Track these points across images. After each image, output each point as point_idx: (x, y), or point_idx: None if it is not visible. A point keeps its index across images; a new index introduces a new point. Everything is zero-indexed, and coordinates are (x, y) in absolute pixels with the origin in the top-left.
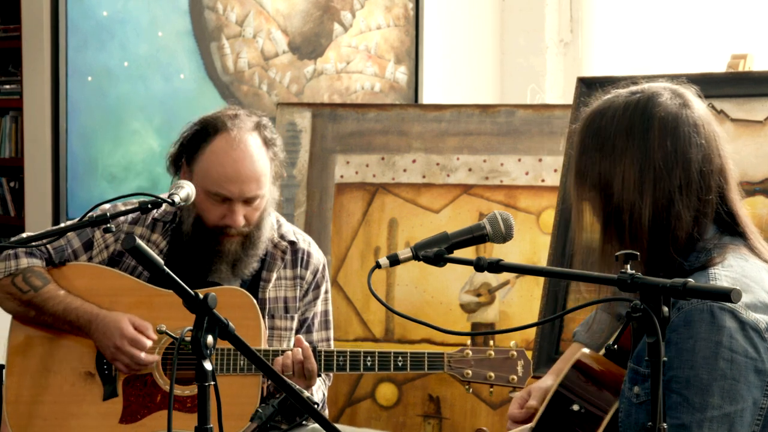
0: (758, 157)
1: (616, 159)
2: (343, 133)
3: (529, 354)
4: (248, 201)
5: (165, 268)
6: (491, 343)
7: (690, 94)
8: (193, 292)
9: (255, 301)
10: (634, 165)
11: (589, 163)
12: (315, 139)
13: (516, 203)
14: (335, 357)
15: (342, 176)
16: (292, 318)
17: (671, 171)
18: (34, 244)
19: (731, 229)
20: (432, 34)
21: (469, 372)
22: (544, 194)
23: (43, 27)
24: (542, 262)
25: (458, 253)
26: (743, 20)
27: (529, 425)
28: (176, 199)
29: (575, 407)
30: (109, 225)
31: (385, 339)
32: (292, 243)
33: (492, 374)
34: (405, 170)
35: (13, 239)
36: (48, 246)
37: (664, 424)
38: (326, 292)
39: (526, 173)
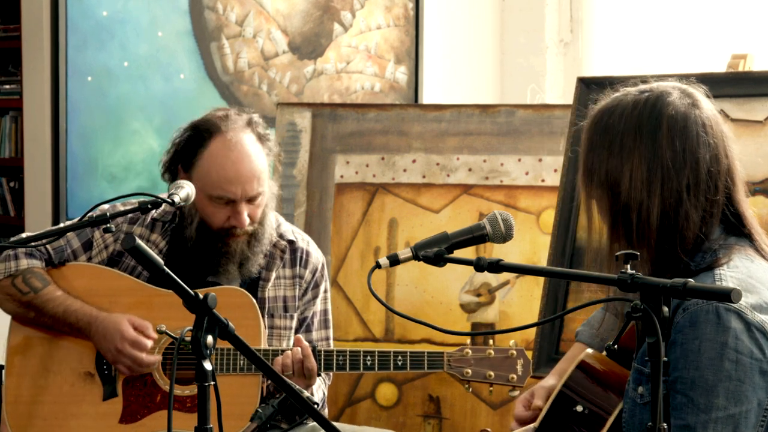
0: (758, 157)
1: (624, 157)
2: (343, 133)
3: (529, 354)
4: (251, 200)
5: (165, 268)
6: (491, 342)
7: (699, 94)
8: (192, 292)
9: (254, 301)
10: (642, 164)
11: (596, 161)
12: (315, 139)
13: (516, 203)
14: (335, 356)
15: (342, 176)
16: (292, 317)
17: (680, 171)
18: (33, 244)
19: (737, 230)
20: (432, 34)
21: (469, 371)
22: (544, 194)
23: (43, 27)
24: (542, 262)
25: (458, 253)
26: (743, 20)
27: (532, 425)
28: (176, 199)
29: (579, 408)
30: (109, 225)
31: (385, 339)
32: (291, 242)
33: (491, 373)
34: (405, 170)
35: (12, 239)
36: (48, 246)
37: (665, 424)
38: (325, 291)
39: (526, 173)
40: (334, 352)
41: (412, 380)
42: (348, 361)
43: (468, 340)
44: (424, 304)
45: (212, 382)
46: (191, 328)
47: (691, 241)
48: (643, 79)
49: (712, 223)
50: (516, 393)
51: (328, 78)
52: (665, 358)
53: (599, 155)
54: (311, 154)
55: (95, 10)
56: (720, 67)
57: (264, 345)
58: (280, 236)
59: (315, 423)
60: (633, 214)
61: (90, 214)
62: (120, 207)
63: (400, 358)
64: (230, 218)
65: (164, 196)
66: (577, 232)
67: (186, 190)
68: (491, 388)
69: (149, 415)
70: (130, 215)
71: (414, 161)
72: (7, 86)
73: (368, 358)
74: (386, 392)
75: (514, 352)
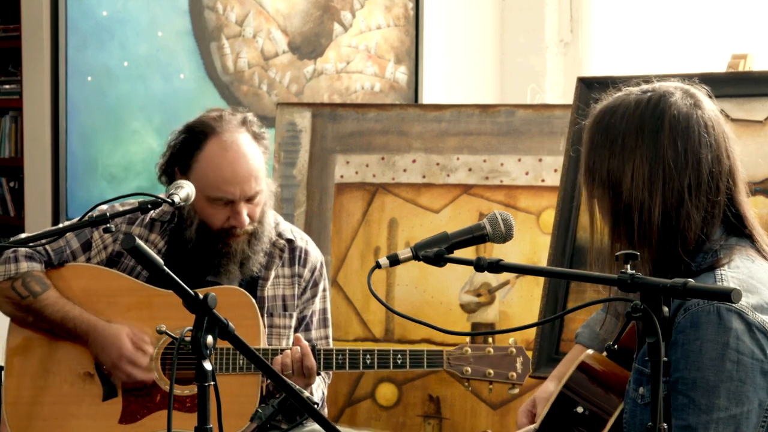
0: (758, 157)
1: (626, 157)
2: (343, 133)
3: (529, 354)
4: (250, 199)
5: (165, 268)
6: (490, 341)
7: (701, 94)
8: (192, 292)
9: (254, 300)
10: (644, 164)
11: (598, 161)
12: (315, 139)
13: (516, 203)
14: (334, 355)
15: (342, 176)
16: (291, 316)
17: (682, 171)
18: (32, 244)
19: (738, 230)
20: (432, 34)
21: (468, 369)
22: (544, 194)
23: (43, 27)
24: (542, 262)
25: (458, 253)
26: (743, 20)
27: (532, 426)
28: (176, 199)
29: (579, 409)
30: (108, 225)
31: (385, 339)
32: (290, 241)
33: (491, 371)
34: (405, 170)
35: (11, 240)
36: (47, 247)
37: (665, 425)
38: (324, 290)
39: (526, 173)
40: (334, 351)
41: (412, 380)
42: (347, 359)
43: (468, 340)
44: (424, 304)
45: (212, 382)
46: (191, 328)
47: (692, 242)
48: (646, 79)
49: (714, 224)
50: (515, 391)
51: (328, 78)
52: (665, 359)
53: (601, 154)
54: (311, 154)
55: (95, 10)
56: (720, 67)
57: (263, 344)
58: (279, 235)
59: (315, 425)
60: (634, 214)
61: (90, 214)
62: (118, 207)
63: (399, 356)
64: (230, 219)
65: (164, 196)
66: (577, 232)
67: (186, 190)
68: (491, 386)
69: (149, 415)
70: (128, 215)
71: (414, 161)
72: (7, 86)
73: (368, 356)
74: (386, 392)
75: (514, 349)
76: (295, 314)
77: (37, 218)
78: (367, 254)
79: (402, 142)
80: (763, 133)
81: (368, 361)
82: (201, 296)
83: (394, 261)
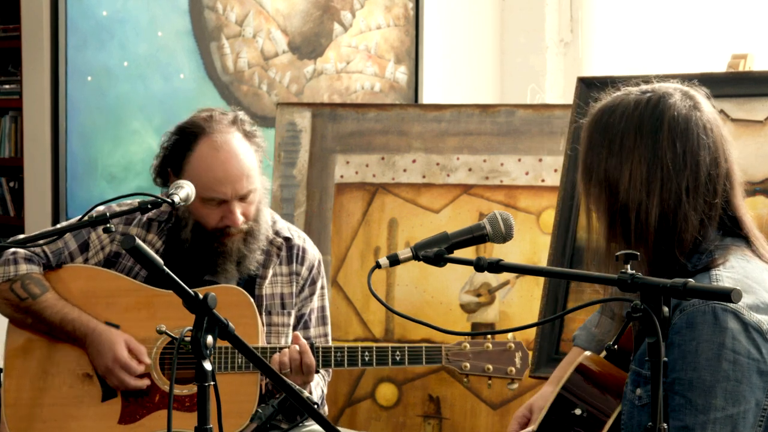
0: (758, 157)
1: (624, 157)
2: (343, 133)
3: (528, 354)
4: (243, 198)
5: (165, 268)
6: (489, 338)
7: (700, 96)
8: (192, 292)
9: (252, 300)
10: (641, 164)
11: (595, 160)
12: (315, 139)
13: (516, 203)
14: (333, 353)
15: (342, 176)
16: (289, 314)
17: (680, 172)
18: (30, 244)
19: (734, 233)
20: (432, 34)
21: (467, 365)
22: (544, 194)
23: (43, 27)
24: (542, 262)
25: (458, 253)
26: (743, 20)
27: (530, 428)
28: (176, 199)
29: (577, 411)
30: (108, 225)
31: (384, 339)
32: (287, 239)
33: (490, 366)
34: (405, 170)
35: (9, 240)
36: (46, 249)
37: (665, 425)
38: (322, 287)
39: (526, 173)
40: (332, 349)
41: (412, 380)
42: (346, 357)
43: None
44: (424, 304)
45: (212, 382)
46: (191, 328)
47: (688, 244)
48: (645, 79)
49: (710, 226)
50: (515, 386)
51: (328, 78)
52: (665, 359)
53: (599, 154)
54: (311, 154)
55: (95, 10)
56: (720, 67)
57: (262, 343)
58: (276, 233)
59: (315, 425)
60: (631, 214)
61: (90, 214)
62: (115, 208)
63: (398, 353)
64: (224, 218)
65: (163, 196)
66: (577, 232)
67: (186, 190)
68: (490, 382)
69: (148, 415)
70: (125, 216)
71: (414, 161)
72: (7, 86)
73: (366, 353)
74: (386, 392)
75: (512, 345)
76: (293, 312)
77: (37, 218)
78: (367, 254)
79: (402, 142)
80: (763, 133)
81: (367, 358)
82: (201, 296)
83: (394, 261)
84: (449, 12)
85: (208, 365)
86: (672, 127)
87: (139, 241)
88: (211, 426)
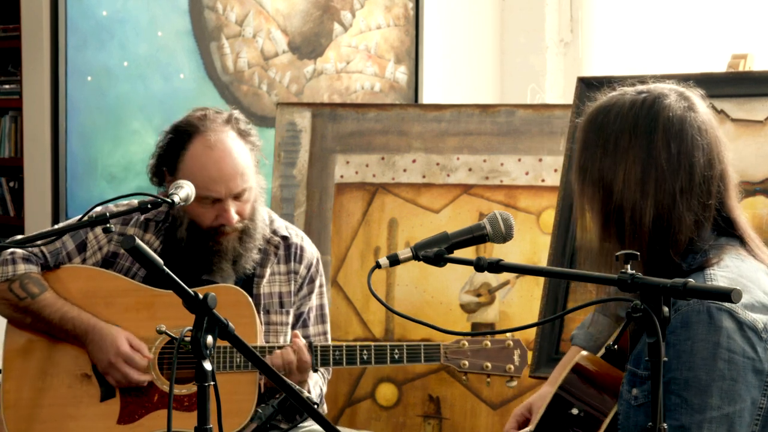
0: (758, 157)
1: (619, 157)
2: (343, 133)
3: (529, 354)
4: (237, 196)
5: (165, 268)
6: (487, 336)
7: (696, 97)
8: (192, 292)
9: (250, 299)
10: (636, 164)
11: (590, 159)
12: (315, 139)
13: (516, 203)
14: (331, 351)
15: (342, 176)
16: (288, 312)
17: (674, 173)
18: (28, 244)
19: (729, 233)
20: (432, 34)
21: (466, 363)
22: (544, 194)
23: (43, 27)
24: (542, 262)
25: (458, 253)
26: (743, 20)
27: (528, 429)
28: (176, 199)
29: (575, 411)
30: (108, 225)
31: (384, 339)
32: (285, 238)
33: (489, 364)
34: (405, 170)
35: (7, 241)
36: (44, 249)
37: (665, 425)
38: (321, 285)
39: (526, 173)
40: (331, 347)
41: (412, 380)
42: (344, 355)
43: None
44: (424, 304)
45: (212, 382)
46: (191, 328)
47: (683, 244)
48: (641, 80)
49: (705, 227)
50: (513, 384)
51: (328, 78)
52: (665, 359)
53: (593, 154)
54: (311, 154)
55: (95, 10)
56: (720, 67)
57: (260, 342)
58: (274, 232)
59: (314, 425)
60: (626, 215)
61: (90, 214)
62: (112, 208)
63: (396, 351)
64: (218, 217)
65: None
66: (577, 232)
67: (186, 190)
68: (488, 380)
69: (147, 414)
70: (123, 216)
71: (414, 161)
72: (7, 86)
73: (365, 352)
74: (386, 392)
75: (511, 342)
76: (291, 311)
77: (37, 218)
78: (367, 254)
79: (402, 142)
80: (763, 133)
81: (365, 357)
82: (201, 296)
83: (394, 261)
84: (449, 12)
85: (208, 365)
86: (667, 127)
87: (139, 241)
88: (211, 426)
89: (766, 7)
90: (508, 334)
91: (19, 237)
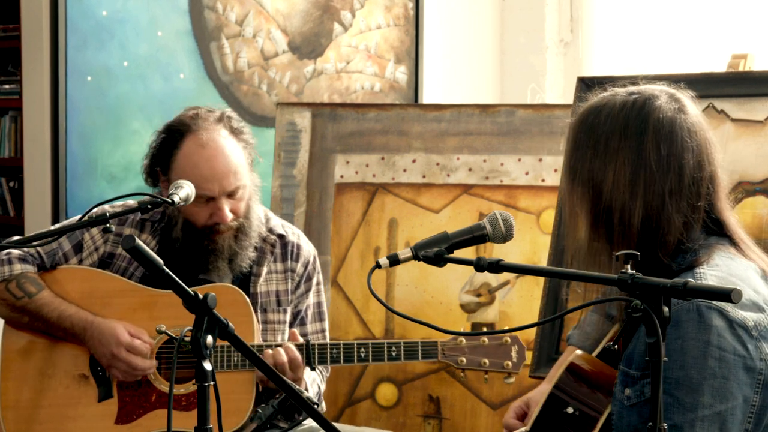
0: (758, 157)
1: (609, 158)
2: (343, 133)
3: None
4: (231, 195)
5: (165, 268)
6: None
7: (686, 99)
8: (192, 292)
9: (247, 298)
10: (626, 165)
11: (580, 160)
12: (315, 139)
13: (516, 203)
14: (329, 349)
15: (342, 176)
16: (285, 311)
17: (664, 175)
18: (34, 243)
19: (719, 234)
20: (432, 34)
21: (464, 359)
22: (544, 194)
23: (43, 27)
24: (542, 262)
25: (458, 253)
26: (743, 20)
27: (524, 428)
28: (176, 199)
29: (570, 410)
30: (108, 225)
31: (384, 339)
32: (281, 236)
33: (486, 360)
34: (405, 170)
35: (5, 242)
36: (40, 250)
37: (665, 425)
38: (318, 283)
39: (526, 173)
40: (328, 345)
41: (412, 380)
42: (342, 353)
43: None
44: (424, 304)
45: (212, 383)
46: (191, 328)
47: (671, 246)
48: (632, 81)
49: (694, 229)
50: (511, 380)
51: (328, 78)
52: (665, 359)
53: (584, 154)
54: (311, 154)
55: (95, 10)
56: (720, 67)
57: (258, 341)
58: (270, 231)
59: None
60: (615, 215)
61: (90, 214)
62: (108, 209)
63: (393, 348)
64: (212, 215)
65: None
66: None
67: (186, 189)
68: (486, 376)
69: (145, 415)
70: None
71: (414, 161)
72: (7, 86)
73: (362, 350)
74: (386, 392)
75: (509, 339)
76: (289, 309)
77: (37, 218)
78: (367, 254)
79: (402, 142)
80: (763, 133)
81: (363, 355)
82: (201, 296)
83: (394, 261)
84: (449, 12)
85: (208, 365)
86: (657, 129)
87: (139, 241)
88: (211, 426)
89: (766, 7)
90: (506, 329)
91: (16, 238)
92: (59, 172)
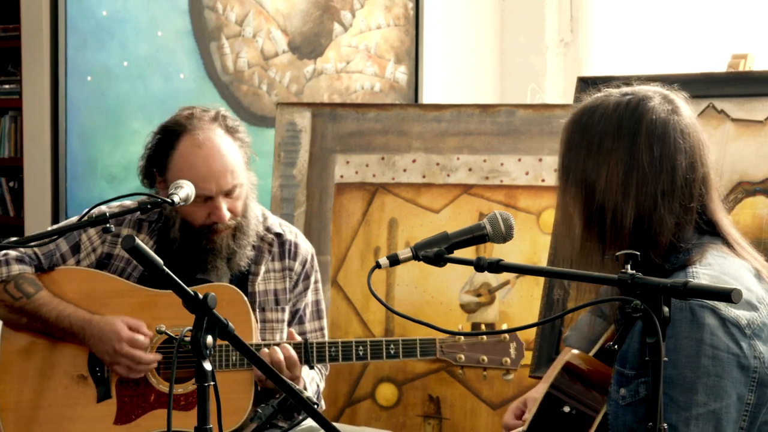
0: (758, 157)
1: (602, 158)
2: (342, 133)
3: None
4: (228, 194)
5: (165, 268)
6: (483, 328)
7: (680, 100)
8: (192, 292)
9: (245, 297)
10: (619, 166)
11: (574, 160)
12: (315, 139)
13: (516, 203)
14: (327, 348)
15: (342, 176)
16: (283, 310)
17: (656, 176)
18: (33, 244)
19: (712, 234)
20: (432, 34)
21: (462, 356)
22: (544, 194)
23: (43, 27)
24: (542, 262)
25: (458, 253)
26: (743, 20)
27: (521, 428)
28: (176, 199)
29: (566, 409)
30: (108, 225)
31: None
32: (279, 235)
33: (485, 357)
34: (405, 170)
35: (2, 243)
36: (37, 251)
37: (665, 425)
38: (316, 282)
39: (526, 173)
40: (326, 344)
41: (412, 380)
42: (340, 351)
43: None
44: (424, 304)
45: (212, 383)
46: (191, 328)
47: (664, 246)
48: (627, 81)
49: (686, 230)
50: (510, 377)
51: (328, 78)
52: (665, 359)
53: (577, 154)
54: (311, 154)
55: (95, 10)
56: (720, 67)
57: (256, 340)
58: (267, 229)
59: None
60: (607, 216)
61: (90, 214)
62: (105, 209)
63: (392, 346)
64: (210, 215)
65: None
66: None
67: (186, 189)
68: (485, 373)
69: (143, 415)
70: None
71: (414, 161)
72: (7, 86)
73: (360, 348)
74: (386, 392)
75: (507, 336)
76: (287, 308)
77: (37, 218)
78: (367, 254)
79: (402, 142)
80: (763, 133)
81: (361, 353)
82: (201, 296)
83: (394, 261)
84: (449, 12)
85: (207, 365)
86: (650, 130)
87: (139, 241)
88: (211, 426)
89: (766, 7)
90: (504, 326)
91: (13, 239)
92: (59, 172)
